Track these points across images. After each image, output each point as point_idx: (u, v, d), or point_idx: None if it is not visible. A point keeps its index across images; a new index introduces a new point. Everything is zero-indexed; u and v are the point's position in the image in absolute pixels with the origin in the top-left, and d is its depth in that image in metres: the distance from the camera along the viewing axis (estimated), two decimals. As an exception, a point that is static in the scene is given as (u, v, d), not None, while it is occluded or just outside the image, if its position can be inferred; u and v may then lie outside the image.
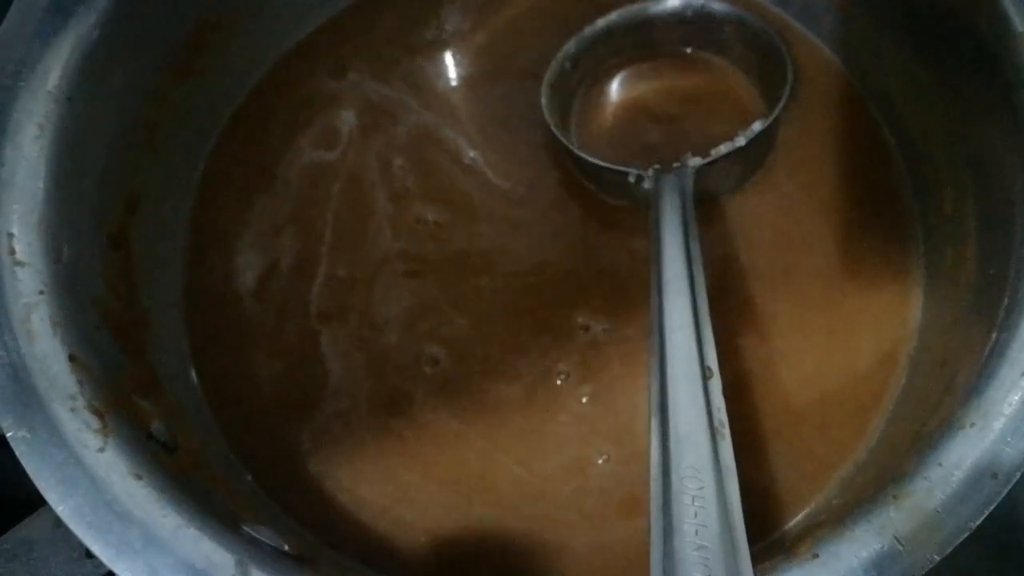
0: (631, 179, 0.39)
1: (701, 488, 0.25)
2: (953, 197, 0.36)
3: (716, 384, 0.29)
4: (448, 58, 0.44)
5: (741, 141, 0.39)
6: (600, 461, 0.36)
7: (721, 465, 0.26)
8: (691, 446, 0.27)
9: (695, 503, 0.25)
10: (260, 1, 0.43)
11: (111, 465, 0.27)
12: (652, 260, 0.35)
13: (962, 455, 0.27)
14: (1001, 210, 0.32)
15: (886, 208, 0.40)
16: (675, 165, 0.39)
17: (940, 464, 0.27)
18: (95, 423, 0.28)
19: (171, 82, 0.39)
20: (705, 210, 0.40)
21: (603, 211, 0.41)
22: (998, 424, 0.27)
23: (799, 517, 0.35)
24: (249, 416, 0.38)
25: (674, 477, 0.26)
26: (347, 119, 0.43)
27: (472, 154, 0.42)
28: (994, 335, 0.29)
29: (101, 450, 0.27)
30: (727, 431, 0.28)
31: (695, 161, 0.39)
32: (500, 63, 0.44)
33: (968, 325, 0.32)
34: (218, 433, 0.37)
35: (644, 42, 0.44)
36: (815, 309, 0.38)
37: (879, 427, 0.36)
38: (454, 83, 0.44)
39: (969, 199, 0.35)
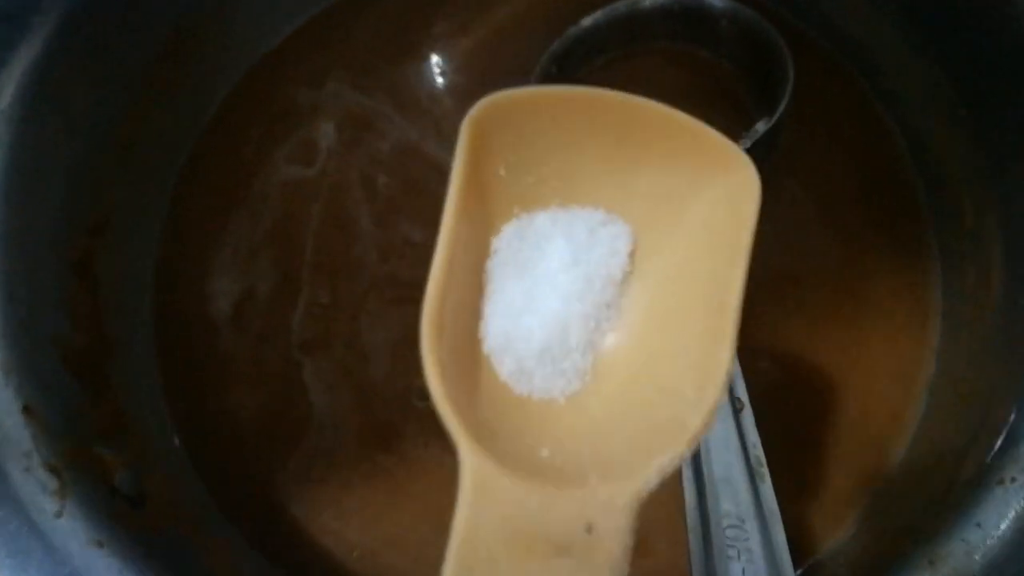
0: None
1: (746, 540, 0.23)
2: (974, 210, 0.34)
3: (748, 417, 0.27)
4: (432, 65, 0.42)
5: (746, 144, 0.37)
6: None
7: (764, 510, 0.24)
8: (729, 490, 0.25)
9: (741, 558, 0.23)
10: (231, 6, 0.40)
11: (69, 532, 0.25)
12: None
13: (1002, 513, 0.24)
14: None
15: (899, 220, 0.38)
16: None
17: (979, 525, 0.24)
18: (51, 483, 0.26)
19: (137, 97, 0.37)
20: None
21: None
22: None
23: (818, 556, 0.32)
24: (227, 455, 0.36)
25: (714, 528, 0.24)
26: (326, 132, 0.40)
27: (461, 170, 0.39)
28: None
29: (58, 515, 0.25)
30: (766, 471, 0.26)
31: None
32: (487, 68, 0.42)
33: (997, 356, 0.30)
34: (193, 476, 0.35)
35: (633, 39, 0.41)
36: (827, 326, 0.36)
37: (900, 454, 0.34)
38: (439, 92, 0.41)
39: (991, 213, 0.33)
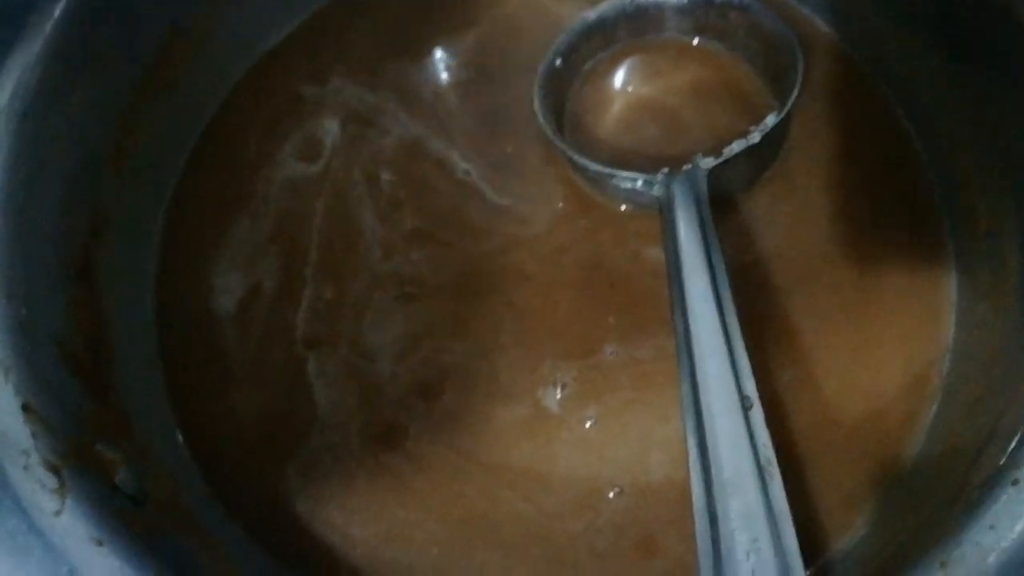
0: (639, 184, 0.36)
1: (755, 540, 0.23)
2: (988, 211, 0.33)
3: (758, 415, 0.26)
4: (437, 61, 0.41)
5: (756, 137, 0.36)
6: (612, 495, 0.34)
7: (774, 511, 0.24)
8: (738, 490, 0.24)
9: (750, 559, 0.22)
10: (232, 1, 0.40)
11: (69, 530, 0.24)
12: (670, 277, 0.32)
13: (1016, 515, 0.24)
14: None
15: (913, 217, 0.37)
16: (685, 167, 0.36)
17: (992, 527, 0.24)
18: (51, 481, 0.25)
19: (138, 94, 0.37)
20: (713, 214, 0.37)
21: (613, 221, 0.38)
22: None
23: (828, 556, 0.32)
24: (230, 452, 0.36)
25: (723, 528, 0.23)
26: (329, 129, 0.40)
27: (465, 167, 0.39)
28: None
29: (57, 513, 0.25)
30: (776, 470, 0.25)
31: (707, 161, 0.36)
32: (492, 64, 0.41)
33: (1012, 357, 0.29)
34: (195, 474, 0.35)
35: (640, 32, 0.41)
36: (838, 325, 0.36)
37: (911, 456, 0.33)
38: (443, 88, 0.41)
39: (1007, 212, 0.32)
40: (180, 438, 0.35)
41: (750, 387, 0.27)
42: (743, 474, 0.24)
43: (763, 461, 0.25)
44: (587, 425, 0.35)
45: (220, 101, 0.41)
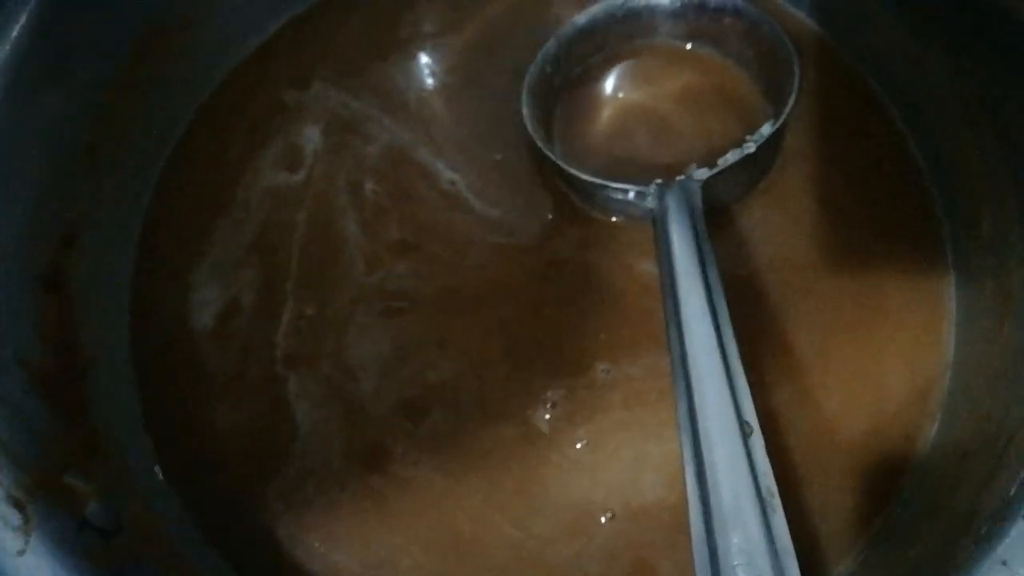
0: (630, 196, 0.35)
1: (759, 578, 0.21)
2: (992, 219, 0.32)
3: (758, 442, 0.25)
4: (422, 65, 0.40)
5: (751, 147, 0.35)
6: (604, 519, 0.33)
7: (777, 547, 0.23)
8: (738, 523, 0.23)
9: None
10: (210, 1, 0.38)
11: (33, 571, 0.23)
12: (664, 293, 0.31)
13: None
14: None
15: (913, 228, 0.36)
16: (679, 178, 0.35)
17: (1004, 563, 0.23)
18: (15, 518, 0.24)
19: (111, 98, 0.36)
20: (707, 226, 0.36)
21: (604, 233, 0.37)
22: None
23: (829, 581, 0.31)
24: (208, 476, 0.34)
25: (723, 564, 0.22)
26: (311, 136, 0.39)
27: (452, 176, 0.38)
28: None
29: (21, 553, 0.23)
30: (778, 502, 0.24)
31: (701, 172, 0.35)
32: (480, 69, 0.40)
33: (1018, 375, 0.29)
34: (172, 500, 0.33)
35: (632, 37, 0.40)
36: (837, 339, 0.35)
37: (915, 477, 0.32)
38: (429, 93, 0.40)
39: (1010, 222, 0.31)
40: (155, 461, 0.34)
41: (750, 412, 0.26)
42: (744, 506, 0.23)
43: (764, 492, 0.24)
44: (578, 446, 0.34)
45: (198, 105, 0.39)
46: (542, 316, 0.35)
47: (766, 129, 0.35)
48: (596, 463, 0.33)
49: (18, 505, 0.24)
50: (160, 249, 0.38)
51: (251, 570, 0.33)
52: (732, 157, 0.35)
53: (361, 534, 0.33)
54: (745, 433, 0.25)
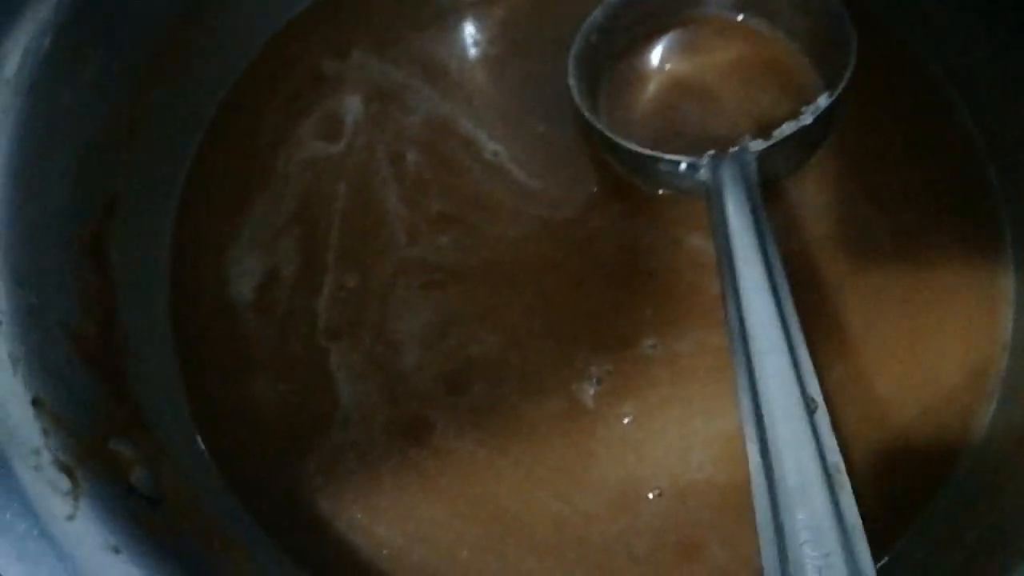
0: (682, 168, 0.34)
1: (827, 555, 0.21)
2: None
3: (823, 418, 0.24)
4: (464, 34, 0.39)
5: (808, 119, 0.34)
6: (651, 496, 0.32)
7: (846, 523, 0.22)
8: (805, 500, 0.22)
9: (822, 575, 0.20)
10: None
11: (82, 536, 0.23)
12: (721, 267, 0.30)
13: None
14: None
15: (969, 206, 0.35)
16: (732, 149, 0.34)
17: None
18: (64, 483, 0.24)
19: (151, 68, 0.35)
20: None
21: (652, 206, 0.36)
22: None
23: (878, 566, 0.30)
24: (249, 449, 0.34)
25: (790, 542, 0.21)
26: (351, 106, 0.38)
27: (494, 147, 0.37)
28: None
29: (71, 518, 0.23)
30: (845, 478, 0.23)
31: (756, 144, 0.34)
32: (523, 38, 0.39)
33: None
34: (214, 471, 0.33)
35: (682, 7, 0.38)
36: (891, 318, 0.34)
37: (968, 462, 0.31)
38: (471, 63, 0.39)
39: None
40: (196, 433, 0.34)
41: (814, 387, 0.25)
42: (810, 482, 0.23)
43: (831, 468, 0.23)
44: (624, 422, 0.33)
45: (238, 75, 0.39)
46: (586, 290, 0.35)
47: (823, 101, 0.34)
48: (643, 439, 0.33)
49: (66, 470, 0.24)
50: (200, 219, 0.37)
51: (291, 542, 0.33)
52: (788, 128, 0.34)
53: (403, 507, 0.33)
54: (810, 409, 0.24)
